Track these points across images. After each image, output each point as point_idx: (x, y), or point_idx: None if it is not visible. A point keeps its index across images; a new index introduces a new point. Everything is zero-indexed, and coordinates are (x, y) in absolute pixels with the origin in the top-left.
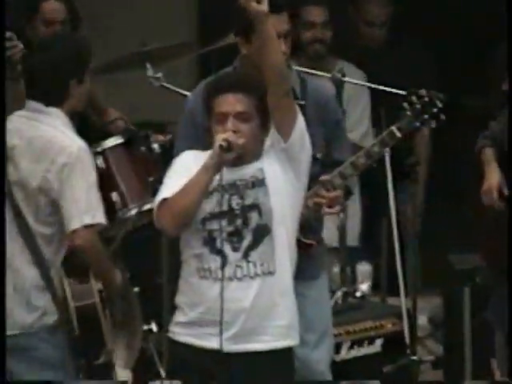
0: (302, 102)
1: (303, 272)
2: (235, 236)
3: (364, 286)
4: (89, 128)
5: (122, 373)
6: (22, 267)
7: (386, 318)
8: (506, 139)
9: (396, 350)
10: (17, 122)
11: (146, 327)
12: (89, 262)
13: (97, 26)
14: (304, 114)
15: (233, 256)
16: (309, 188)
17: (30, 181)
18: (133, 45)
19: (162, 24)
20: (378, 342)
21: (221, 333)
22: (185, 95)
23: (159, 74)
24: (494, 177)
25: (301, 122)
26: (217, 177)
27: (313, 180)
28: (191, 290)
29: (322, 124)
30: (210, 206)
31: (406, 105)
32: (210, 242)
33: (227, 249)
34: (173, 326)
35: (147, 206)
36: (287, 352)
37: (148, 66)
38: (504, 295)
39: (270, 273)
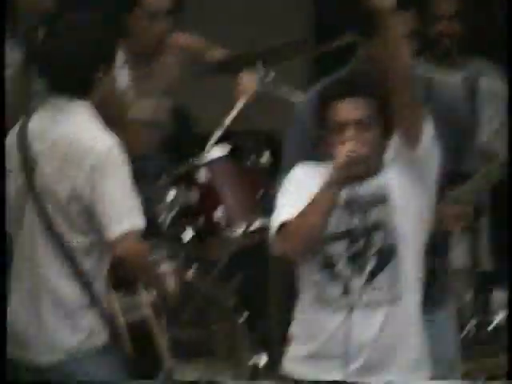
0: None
1: (426, 297)
2: (358, 259)
3: (499, 316)
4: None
5: None
6: (59, 285)
7: None
8: None
9: None
10: (38, 122)
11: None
12: (135, 272)
13: (198, 20)
14: None
15: (356, 282)
16: None
17: (58, 189)
18: (242, 44)
19: (274, 21)
20: None
21: (346, 364)
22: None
23: (271, 76)
24: None
25: (429, 129)
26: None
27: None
28: (309, 320)
29: (449, 132)
30: (328, 226)
31: None
32: (329, 266)
33: (349, 274)
34: (288, 360)
35: (255, 225)
36: None
37: (259, 66)
38: None
39: (397, 299)
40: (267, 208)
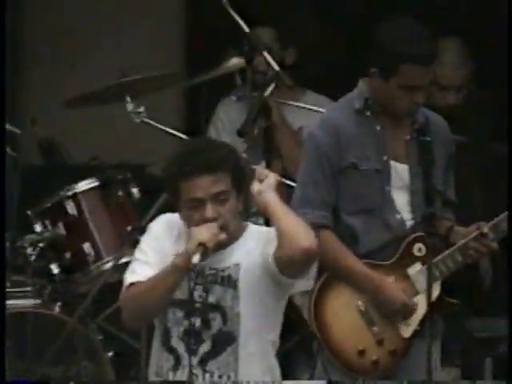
0: (429, 139)
1: None
2: (192, 337)
3: None
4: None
5: None
6: None
7: None
8: None
9: None
10: None
11: None
12: None
13: (75, 55)
14: (431, 152)
15: (187, 360)
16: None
17: None
18: (112, 76)
19: (145, 53)
20: None
21: None
22: (170, 133)
23: (141, 109)
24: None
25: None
26: None
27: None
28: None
29: (445, 161)
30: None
31: None
32: (165, 335)
33: (181, 349)
34: None
35: (124, 260)
36: None
37: (128, 99)
38: None
39: None
40: (137, 242)
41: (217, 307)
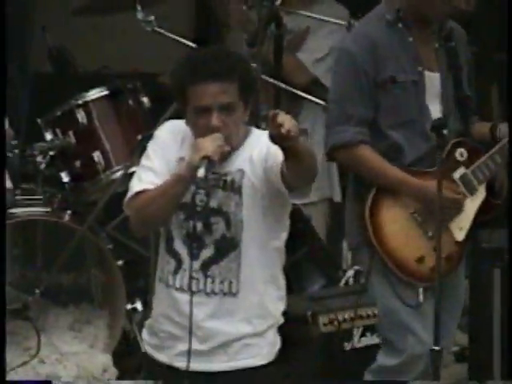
0: (454, 44)
1: None
2: (195, 241)
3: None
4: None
5: (102, 356)
6: None
7: None
8: None
9: None
10: None
11: (129, 306)
12: None
13: None
14: (458, 58)
15: (189, 264)
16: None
17: None
18: None
19: None
20: None
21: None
22: (181, 42)
23: (151, 18)
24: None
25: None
26: None
27: None
28: (156, 290)
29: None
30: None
31: None
32: (168, 239)
33: (184, 253)
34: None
35: (134, 169)
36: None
37: (138, 7)
38: None
39: (232, 294)
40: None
41: (219, 212)
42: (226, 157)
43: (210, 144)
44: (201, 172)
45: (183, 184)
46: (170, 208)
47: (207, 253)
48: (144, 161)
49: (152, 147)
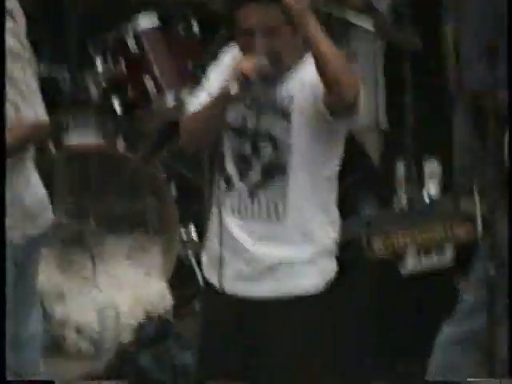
0: None
1: None
2: (243, 163)
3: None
4: None
5: (158, 284)
6: None
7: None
8: None
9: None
10: None
11: (184, 232)
12: None
13: None
14: None
15: (238, 186)
16: None
17: None
18: None
19: None
20: (448, 253)
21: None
22: None
23: None
24: None
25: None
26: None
27: None
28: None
29: None
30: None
31: None
32: (219, 160)
33: (234, 175)
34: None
35: (185, 96)
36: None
37: None
38: None
39: (279, 218)
40: (198, 79)
41: (268, 136)
42: (274, 81)
43: (249, 62)
44: (233, 89)
45: (218, 103)
46: (210, 127)
47: (255, 176)
48: (204, 82)
49: (213, 69)
